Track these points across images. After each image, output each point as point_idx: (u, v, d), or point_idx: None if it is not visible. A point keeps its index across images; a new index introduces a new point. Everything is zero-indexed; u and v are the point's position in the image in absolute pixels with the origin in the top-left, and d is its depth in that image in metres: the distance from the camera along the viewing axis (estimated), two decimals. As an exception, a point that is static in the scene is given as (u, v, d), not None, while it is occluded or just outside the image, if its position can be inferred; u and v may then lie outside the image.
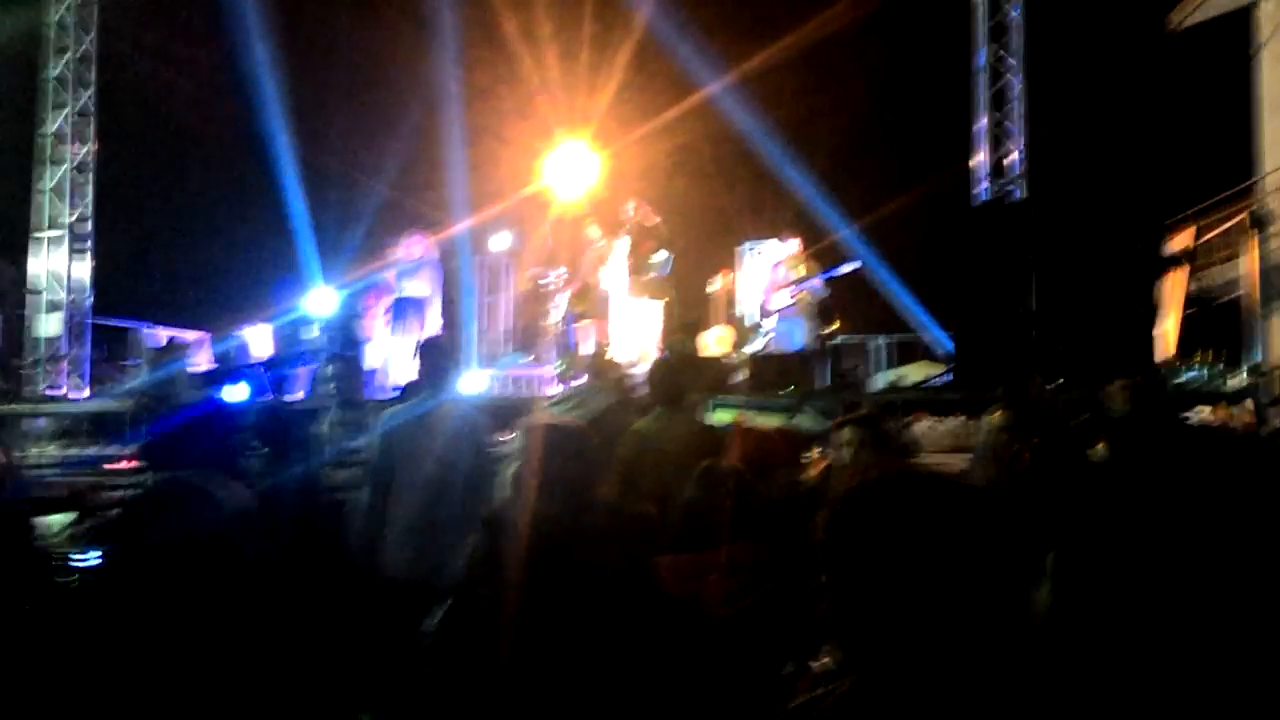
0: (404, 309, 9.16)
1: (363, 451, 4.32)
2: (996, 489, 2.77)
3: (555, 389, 8.97)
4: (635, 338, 9.61)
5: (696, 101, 13.26)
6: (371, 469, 4.07)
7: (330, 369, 4.84)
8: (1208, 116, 11.53)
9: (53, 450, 8.36)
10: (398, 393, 6.71)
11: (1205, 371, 8.05)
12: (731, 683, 2.37)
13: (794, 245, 10.25)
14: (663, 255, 9.84)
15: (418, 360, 4.39)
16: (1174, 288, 8.94)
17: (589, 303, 10.41)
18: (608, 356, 5.94)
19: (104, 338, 11.96)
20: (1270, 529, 1.50)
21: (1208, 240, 10.67)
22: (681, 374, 4.44)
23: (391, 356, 9.22)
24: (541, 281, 10.72)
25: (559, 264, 10.75)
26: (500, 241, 13.33)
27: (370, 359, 9.99)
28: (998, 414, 4.46)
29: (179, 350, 9.20)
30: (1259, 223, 8.24)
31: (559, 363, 9.84)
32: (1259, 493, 1.73)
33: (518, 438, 2.76)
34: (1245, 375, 7.74)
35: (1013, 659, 1.24)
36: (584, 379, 5.03)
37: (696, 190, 13.89)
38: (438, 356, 4.29)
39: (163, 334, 11.01)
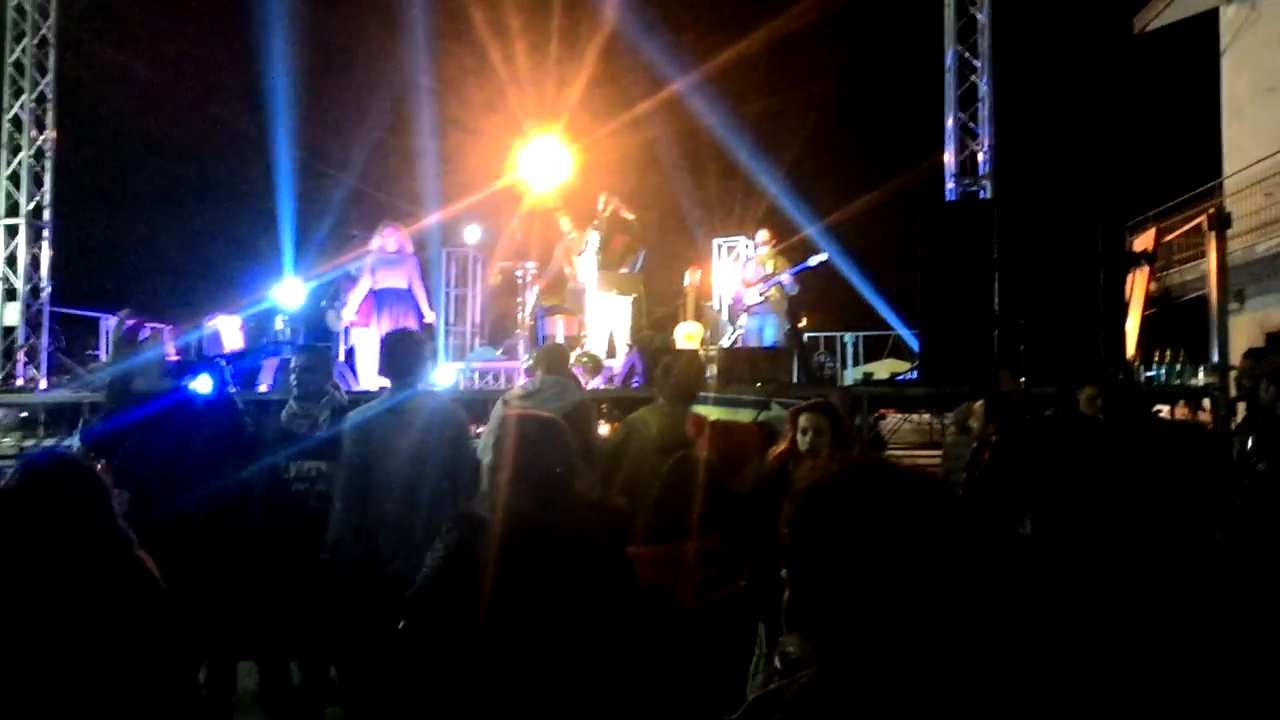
0: (383, 301, 9.09)
1: (324, 442, 4.29)
2: (962, 482, 2.79)
3: (525, 383, 8.94)
4: (606, 331, 9.60)
5: (668, 97, 13.28)
6: (343, 464, 4.00)
7: (295, 360, 4.78)
8: (1172, 119, 11.71)
9: (10, 442, 8.22)
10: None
11: (1166, 371, 8.17)
12: (702, 674, 2.37)
13: (765, 241, 10.29)
14: (639, 256, 9.83)
15: (381, 354, 4.32)
16: (1136, 288, 9.05)
17: (560, 296, 10.39)
18: (562, 349, 5.90)
19: (63, 328, 11.76)
20: (1236, 521, 1.52)
21: (1170, 241, 10.83)
22: (699, 373, 4.41)
23: (370, 348, 9.15)
24: (514, 274, 10.68)
25: (529, 257, 10.71)
26: (470, 235, 13.26)
27: (339, 350, 9.91)
28: (979, 403, 4.50)
29: (153, 338, 9.07)
30: (1220, 223, 8.36)
31: (529, 356, 9.80)
32: (1229, 486, 1.76)
33: (493, 431, 2.73)
34: (1206, 374, 7.86)
35: (978, 651, 1.25)
36: (544, 373, 4.97)
37: (668, 185, 13.91)
38: (402, 349, 4.20)
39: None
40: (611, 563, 2.55)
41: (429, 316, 9.35)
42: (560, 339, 9.87)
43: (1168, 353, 8.28)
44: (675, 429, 4.05)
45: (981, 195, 10.66)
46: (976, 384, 5.11)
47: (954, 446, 5.57)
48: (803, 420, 3.73)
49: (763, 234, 10.35)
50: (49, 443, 7.90)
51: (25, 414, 9.37)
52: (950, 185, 10.93)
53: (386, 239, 9.15)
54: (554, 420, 2.75)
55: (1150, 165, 11.51)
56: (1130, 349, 8.40)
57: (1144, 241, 9.88)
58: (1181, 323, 9.80)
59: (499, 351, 11.04)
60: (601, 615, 2.40)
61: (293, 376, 4.64)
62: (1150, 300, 9.49)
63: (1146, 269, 9.27)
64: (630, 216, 9.87)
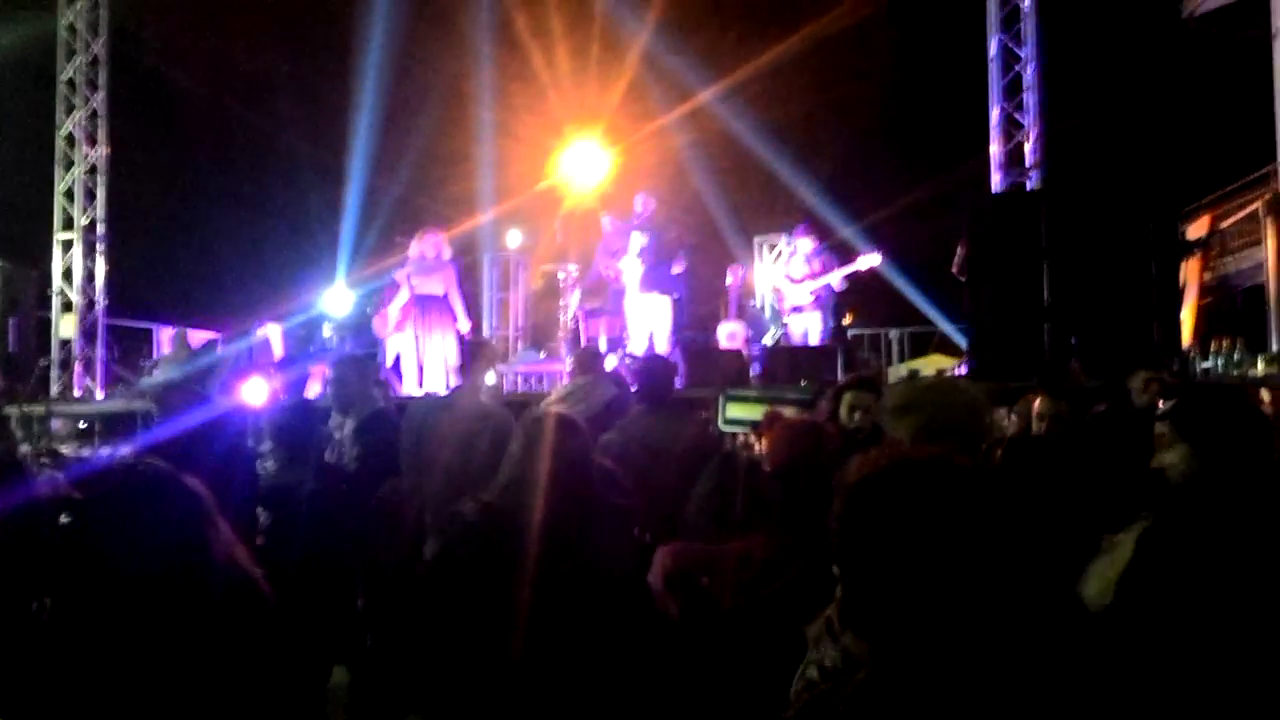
0: (420, 307, 9.16)
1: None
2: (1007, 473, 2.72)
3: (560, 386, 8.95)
4: (646, 332, 9.58)
5: (708, 96, 13.22)
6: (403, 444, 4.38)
7: (333, 370, 4.97)
8: (1224, 102, 11.41)
9: (69, 450, 8.41)
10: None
11: (1223, 360, 7.95)
12: (744, 675, 2.33)
13: (808, 239, 10.20)
14: (683, 255, 9.77)
15: (460, 356, 4.65)
16: (1190, 276, 8.85)
17: (602, 298, 10.40)
18: (591, 350, 6.01)
19: (118, 339, 12.02)
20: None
21: (1224, 227, 10.56)
22: (668, 373, 4.51)
23: (409, 354, 9.22)
24: (556, 277, 10.72)
25: (570, 260, 10.74)
26: (512, 239, 13.34)
27: (386, 357, 10.01)
28: (1040, 400, 4.37)
29: (211, 348, 9.25)
30: (1276, 209, 8.13)
31: (571, 358, 9.82)
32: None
33: (515, 432, 2.71)
34: (1265, 364, 7.65)
35: (1036, 646, 1.21)
36: (578, 375, 5.04)
37: (709, 184, 13.83)
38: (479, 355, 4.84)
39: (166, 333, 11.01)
40: (606, 555, 2.51)
41: (463, 325, 9.30)
42: (603, 341, 9.88)
43: (1225, 342, 8.06)
44: (662, 432, 4.00)
45: (1029, 186, 10.48)
46: (1046, 375, 4.94)
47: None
48: (849, 398, 3.66)
49: (807, 238, 10.24)
50: (104, 451, 8.06)
51: (83, 424, 9.61)
52: (997, 177, 10.76)
53: (425, 245, 9.21)
54: (571, 419, 2.73)
55: (1203, 151, 11.23)
56: (1185, 339, 8.21)
57: (1198, 229, 9.66)
58: (1238, 311, 9.55)
59: (542, 354, 11.09)
60: (621, 612, 2.38)
61: (328, 388, 4.83)
62: (1205, 289, 9.27)
63: (1200, 256, 9.06)
64: (669, 224, 9.79)
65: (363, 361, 5.87)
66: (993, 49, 10.70)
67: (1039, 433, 4.12)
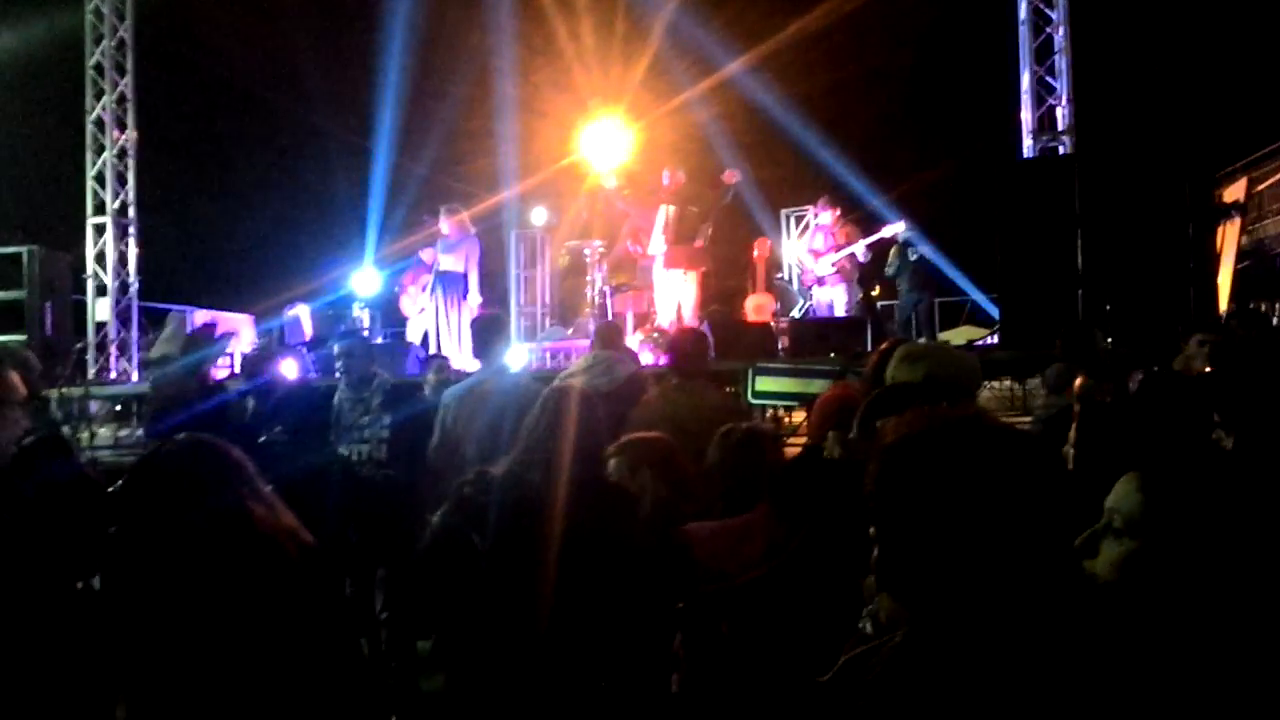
0: (439, 284, 9.21)
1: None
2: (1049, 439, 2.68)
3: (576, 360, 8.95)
4: (674, 307, 9.54)
5: (733, 70, 13.11)
6: (438, 435, 4.31)
7: (337, 349, 5.11)
8: (1259, 62, 11.16)
9: (106, 432, 8.55)
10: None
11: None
12: (765, 645, 2.31)
13: (833, 211, 10.12)
14: (708, 227, 9.67)
15: (471, 336, 4.60)
16: (1226, 240, 8.69)
17: (628, 273, 10.37)
18: (614, 326, 6.04)
19: (152, 321, 12.15)
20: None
21: (1261, 190, 10.35)
22: (703, 346, 4.52)
23: (433, 331, 9.28)
24: (582, 254, 10.69)
25: (595, 236, 10.70)
26: (536, 217, 13.33)
27: (411, 334, 10.07)
28: (1081, 380, 4.23)
29: (207, 335, 9.30)
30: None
31: (594, 333, 9.80)
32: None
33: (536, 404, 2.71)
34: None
35: (1073, 609, 1.20)
36: (599, 349, 5.05)
37: (734, 158, 13.72)
38: (484, 332, 4.60)
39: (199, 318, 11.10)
40: (610, 531, 2.50)
41: (471, 300, 9.35)
42: (629, 316, 9.86)
43: (1262, 306, 7.93)
44: (693, 405, 4.00)
45: (1061, 152, 10.29)
46: (1069, 342, 4.81)
47: (1046, 409, 5.25)
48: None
49: (829, 211, 10.15)
50: (140, 433, 8.18)
51: (120, 406, 9.75)
52: (1028, 143, 10.57)
53: (445, 223, 9.28)
54: (561, 391, 2.74)
55: (1239, 113, 11.00)
56: (1222, 304, 8.07)
57: (1235, 192, 9.47)
58: (1277, 275, 9.38)
59: (568, 331, 11.09)
60: (591, 584, 2.37)
61: (338, 364, 4.89)
62: (1242, 253, 9.10)
63: (1238, 220, 8.89)
64: (699, 186, 9.68)
65: (367, 341, 6.00)
66: (1023, 12, 10.48)
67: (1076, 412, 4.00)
